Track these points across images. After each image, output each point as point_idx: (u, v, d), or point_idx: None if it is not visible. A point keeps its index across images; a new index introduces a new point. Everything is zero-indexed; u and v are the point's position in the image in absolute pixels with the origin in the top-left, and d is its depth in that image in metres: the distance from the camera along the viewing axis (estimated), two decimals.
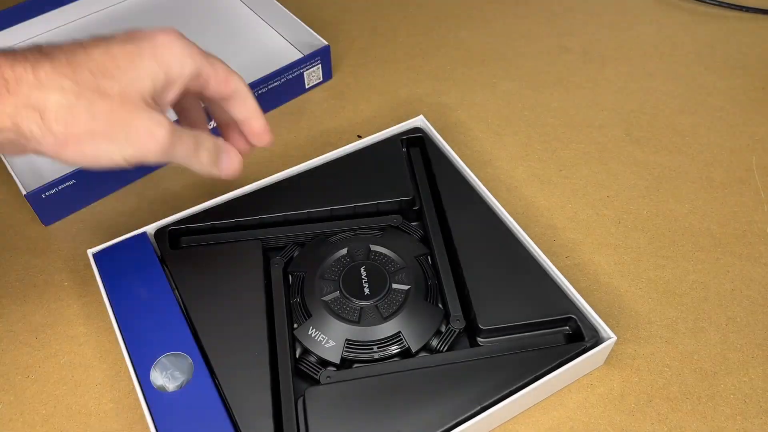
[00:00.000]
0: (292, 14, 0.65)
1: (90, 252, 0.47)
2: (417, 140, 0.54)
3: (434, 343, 0.44)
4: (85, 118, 0.32)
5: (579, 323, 0.43)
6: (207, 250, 0.48)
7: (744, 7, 0.71)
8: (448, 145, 0.53)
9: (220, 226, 0.49)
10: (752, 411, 0.43)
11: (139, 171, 0.57)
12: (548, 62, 0.66)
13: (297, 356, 0.44)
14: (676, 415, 0.43)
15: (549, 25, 0.71)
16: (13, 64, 0.32)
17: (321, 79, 0.64)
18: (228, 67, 0.39)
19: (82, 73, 0.33)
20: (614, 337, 0.42)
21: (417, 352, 0.43)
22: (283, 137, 0.60)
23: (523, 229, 0.48)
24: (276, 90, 0.61)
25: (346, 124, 0.61)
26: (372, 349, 0.43)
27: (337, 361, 0.42)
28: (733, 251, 0.51)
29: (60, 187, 0.52)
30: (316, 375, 0.42)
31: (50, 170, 0.55)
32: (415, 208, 0.50)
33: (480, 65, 0.66)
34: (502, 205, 0.49)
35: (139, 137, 0.34)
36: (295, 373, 0.43)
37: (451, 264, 0.47)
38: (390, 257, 0.47)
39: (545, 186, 0.56)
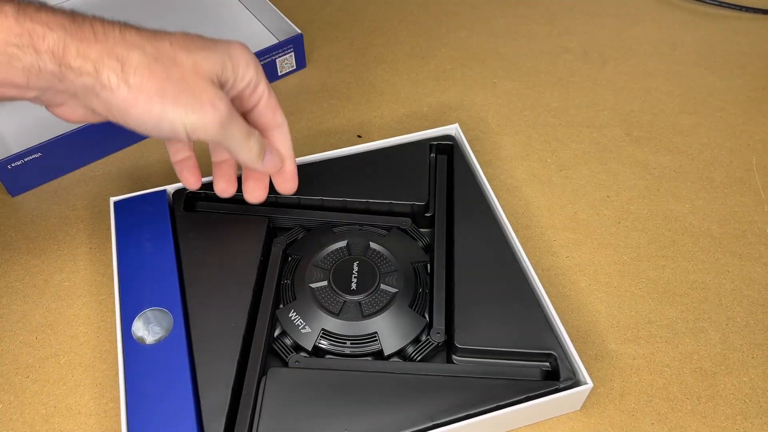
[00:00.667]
0: (268, 1, 0.66)
1: (112, 200, 0.50)
2: (447, 148, 0.54)
3: (409, 350, 0.43)
4: (160, 77, 0.35)
5: (558, 362, 0.41)
6: (216, 218, 0.49)
7: (744, 7, 0.71)
8: (477, 159, 0.52)
9: (236, 197, 0.50)
10: (752, 411, 0.43)
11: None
12: (548, 62, 0.66)
13: (274, 336, 0.44)
14: (676, 415, 0.43)
15: (549, 25, 0.71)
16: (104, 23, 0.35)
17: (294, 67, 0.65)
18: (278, 101, 0.43)
19: (163, 42, 0.37)
20: (590, 384, 0.40)
21: (390, 356, 0.43)
22: None
23: (530, 259, 0.47)
24: None
25: (346, 124, 0.61)
26: (345, 343, 0.43)
27: (309, 348, 0.43)
28: (733, 251, 0.51)
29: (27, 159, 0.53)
30: (287, 357, 0.43)
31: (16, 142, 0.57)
32: (428, 214, 0.50)
33: (480, 65, 0.66)
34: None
35: (203, 106, 0.36)
36: (268, 352, 0.43)
37: (447, 277, 0.46)
38: (386, 258, 0.46)
39: (545, 186, 0.56)
